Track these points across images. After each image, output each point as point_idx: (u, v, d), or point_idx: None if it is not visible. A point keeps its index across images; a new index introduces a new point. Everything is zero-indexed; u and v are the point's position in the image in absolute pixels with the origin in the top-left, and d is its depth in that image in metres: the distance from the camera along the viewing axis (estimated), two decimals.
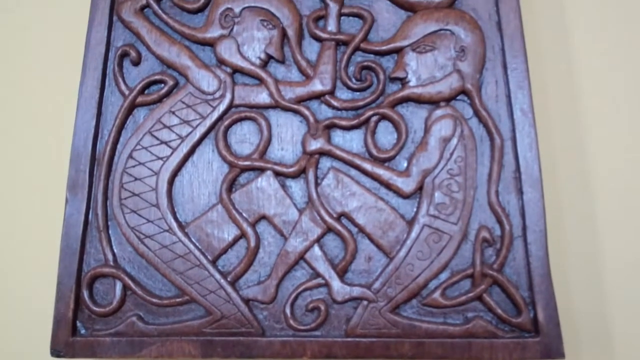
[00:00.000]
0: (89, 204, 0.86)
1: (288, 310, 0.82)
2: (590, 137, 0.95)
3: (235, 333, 0.82)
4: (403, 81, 0.87)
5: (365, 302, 0.82)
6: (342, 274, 0.83)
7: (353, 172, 0.87)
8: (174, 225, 0.85)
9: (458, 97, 0.87)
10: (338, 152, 0.86)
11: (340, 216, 0.85)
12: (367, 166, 0.85)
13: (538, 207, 0.83)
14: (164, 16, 0.89)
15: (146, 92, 0.89)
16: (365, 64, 0.88)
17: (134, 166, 0.87)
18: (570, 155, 0.94)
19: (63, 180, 0.88)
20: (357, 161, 0.85)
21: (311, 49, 0.89)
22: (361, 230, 0.85)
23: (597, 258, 0.91)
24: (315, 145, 0.86)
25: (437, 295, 0.82)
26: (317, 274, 0.83)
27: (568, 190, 0.93)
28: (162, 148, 0.87)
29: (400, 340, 0.80)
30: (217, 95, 0.87)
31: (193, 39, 0.89)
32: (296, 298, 0.83)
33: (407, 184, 0.85)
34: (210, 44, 0.89)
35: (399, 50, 0.87)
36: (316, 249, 0.84)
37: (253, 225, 0.85)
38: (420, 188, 0.85)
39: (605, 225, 0.91)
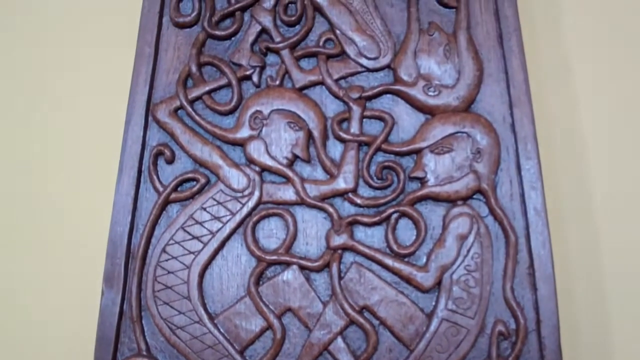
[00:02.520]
0: (123, 295, 1.00)
1: None
2: (602, 233, 1.08)
3: None
4: (422, 180, 1.01)
5: None
6: None
7: (375, 266, 1.00)
8: (205, 317, 0.98)
9: (474, 196, 1.00)
10: (360, 248, 0.99)
11: (363, 309, 0.98)
12: (388, 261, 0.99)
13: (551, 302, 0.96)
14: (197, 117, 1.04)
15: (179, 189, 1.03)
16: (386, 164, 1.02)
17: (167, 260, 1.01)
18: (582, 253, 1.07)
19: (98, 272, 1.02)
20: (379, 256, 0.99)
21: (335, 149, 1.04)
22: (382, 323, 0.98)
23: (608, 350, 1.03)
24: (338, 240, 1.00)
25: None
26: None
27: (581, 286, 1.06)
28: (193, 243, 1.01)
29: None
30: (246, 192, 1.02)
31: (224, 140, 1.04)
32: None
33: (426, 279, 0.98)
34: (241, 144, 1.03)
35: (418, 152, 1.02)
36: (339, 340, 0.97)
37: (279, 318, 0.98)
38: (438, 283, 0.98)
39: (617, 319, 1.04)
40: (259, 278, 0.99)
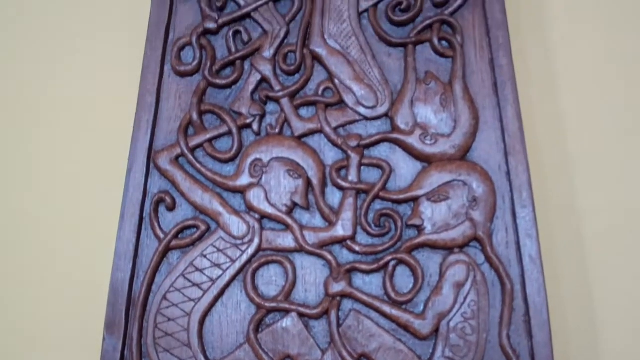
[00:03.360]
0: (124, 342, 1.04)
1: None
2: (596, 281, 1.12)
3: None
4: (419, 228, 1.05)
5: None
6: None
7: (373, 313, 1.04)
8: None
9: (471, 244, 1.04)
10: (359, 295, 1.03)
11: (361, 357, 1.02)
12: (386, 309, 1.03)
13: (547, 349, 1.00)
14: (198, 165, 1.09)
15: (180, 236, 1.07)
16: (384, 211, 1.06)
17: (167, 307, 1.05)
18: (577, 300, 1.11)
19: (100, 318, 1.05)
20: (377, 304, 1.03)
21: (334, 196, 1.08)
22: None
23: None
24: (337, 288, 1.03)
25: None
26: None
27: (576, 333, 1.09)
28: (194, 290, 1.05)
29: None
30: (246, 240, 1.06)
31: (224, 187, 1.08)
32: None
33: (423, 327, 1.02)
34: (241, 191, 1.08)
35: (415, 199, 1.06)
36: None
37: None
38: (436, 330, 1.02)
39: None
40: (258, 325, 1.03)
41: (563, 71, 1.18)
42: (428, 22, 1.10)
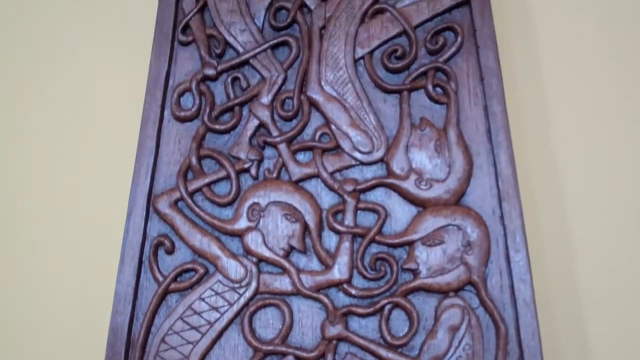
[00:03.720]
0: None
1: None
2: (590, 325, 1.14)
3: None
4: (414, 272, 1.07)
5: None
6: None
7: (369, 357, 1.05)
8: None
9: (465, 288, 1.06)
10: (355, 339, 1.05)
11: None
12: (382, 352, 1.05)
13: None
14: (197, 209, 1.11)
15: (179, 279, 1.10)
16: (380, 255, 1.08)
17: (166, 350, 1.07)
18: (572, 345, 1.13)
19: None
20: (373, 347, 1.05)
21: (330, 240, 1.10)
22: None
23: None
24: (333, 331, 1.05)
25: None
26: None
27: None
28: (192, 333, 1.07)
29: None
30: (243, 283, 1.08)
31: (223, 231, 1.11)
32: None
33: None
34: (239, 235, 1.10)
35: (410, 243, 1.08)
36: None
37: None
38: None
39: None
40: None
41: (557, 117, 1.21)
42: (423, 69, 1.13)
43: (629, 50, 1.24)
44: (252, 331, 1.05)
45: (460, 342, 1.02)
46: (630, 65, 1.23)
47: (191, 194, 1.10)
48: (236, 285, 1.06)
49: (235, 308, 1.06)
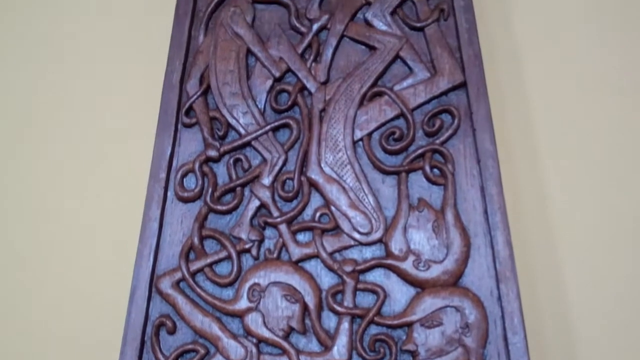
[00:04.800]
0: None
1: None
2: None
3: None
4: (413, 353, 1.09)
5: None
6: None
7: None
8: None
9: None
10: None
11: None
12: None
13: None
14: (198, 289, 1.15)
15: (180, 359, 1.12)
16: (379, 336, 1.11)
17: None
18: None
19: None
20: None
21: (330, 320, 1.13)
22: None
23: None
24: None
25: None
26: None
27: None
28: None
29: None
30: None
31: (223, 311, 1.14)
32: None
33: None
34: (239, 315, 1.13)
35: (409, 325, 1.11)
36: None
37: None
38: None
39: None
40: None
41: (554, 197, 1.25)
42: (420, 151, 1.17)
43: (629, 123, 1.27)
44: None
45: None
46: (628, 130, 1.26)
47: (193, 274, 1.14)
48: None
49: None
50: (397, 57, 1.22)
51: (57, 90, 1.41)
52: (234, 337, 1.10)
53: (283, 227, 1.14)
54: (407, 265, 1.11)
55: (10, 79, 1.42)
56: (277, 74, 1.22)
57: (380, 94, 1.20)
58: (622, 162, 1.25)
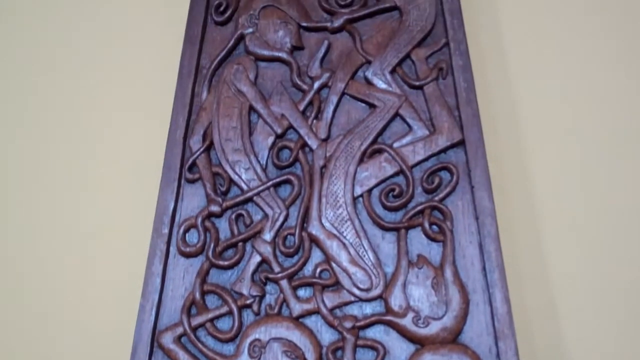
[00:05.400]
0: None
1: None
2: None
3: None
4: None
5: None
6: None
7: None
8: None
9: None
10: None
11: None
12: None
13: None
14: (199, 345, 1.16)
15: None
16: None
17: None
18: None
19: None
20: None
21: None
22: None
23: None
24: None
25: None
26: None
27: None
28: None
29: None
30: None
31: None
32: None
33: None
34: None
35: None
36: None
37: None
38: None
39: None
40: None
41: (553, 256, 1.28)
42: (419, 207, 1.20)
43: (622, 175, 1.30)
44: None
45: None
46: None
47: (194, 329, 1.16)
48: None
49: None
50: (396, 114, 1.25)
51: (60, 150, 1.44)
52: None
53: (284, 283, 1.17)
54: (407, 322, 1.13)
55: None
56: (279, 131, 1.25)
57: (380, 151, 1.23)
58: (623, 218, 1.27)
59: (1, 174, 1.43)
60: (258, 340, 1.13)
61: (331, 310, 1.15)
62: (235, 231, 1.20)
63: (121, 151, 1.43)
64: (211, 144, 1.26)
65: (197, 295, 1.16)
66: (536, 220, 1.29)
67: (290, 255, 1.19)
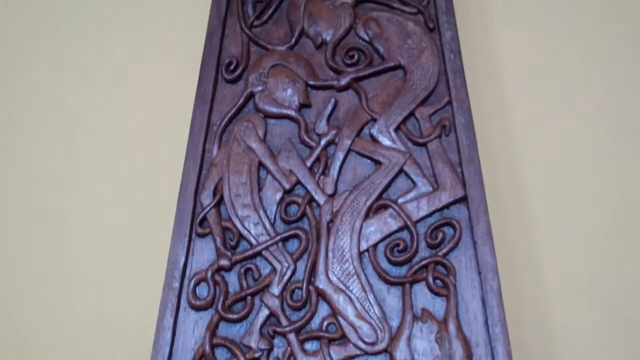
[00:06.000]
0: None
1: None
2: None
3: None
4: None
5: None
6: None
7: None
8: None
9: None
10: None
11: None
12: None
13: None
14: None
15: None
16: None
17: None
18: None
19: None
20: None
21: None
22: None
23: None
24: None
25: None
26: None
27: None
28: None
29: None
30: None
31: None
32: None
33: None
34: None
35: None
36: None
37: None
38: None
39: None
40: None
41: (555, 309, 1.31)
42: (424, 262, 1.24)
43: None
44: None
45: None
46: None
47: None
48: None
49: None
50: (401, 171, 1.29)
51: (71, 203, 1.50)
52: None
53: (291, 336, 1.21)
54: None
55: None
56: (287, 186, 1.30)
57: (385, 207, 1.28)
58: (632, 271, 1.31)
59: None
60: None
61: None
62: (244, 285, 1.25)
63: (133, 202, 1.47)
64: (221, 199, 1.30)
65: (207, 348, 1.20)
66: (538, 275, 1.33)
67: (298, 309, 1.23)
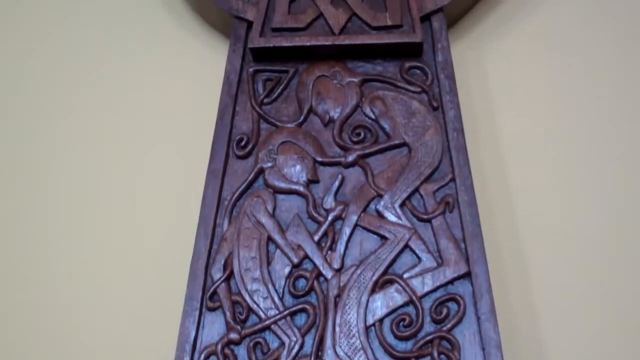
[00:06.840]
0: None
1: None
2: None
3: None
4: None
5: None
6: None
7: None
8: None
9: None
10: None
11: None
12: None
13: None
14: None
15: None
16: None
17: None
18: None
19: None
20: None
21: None
22: None
23: None
24: None
25: None
26: None
27: None
28: None
29: None
30: None
31: None
32: None
33: None
34: None
35: None
36: None
37: None
38: None
39: None
40: None
41: None
42: (429, 337, 1.28)
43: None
44: None
45: None
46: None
47: None
48: None
49: None
50: (406, 246, 1.34)
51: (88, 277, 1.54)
52: None
53: None
54: None
55: None
56: (296, 261, 1.35)
57: (391, 282, 1.32)
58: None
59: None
60: None
61: None
62: (254, 359, 1.28)
63: (143, 280, 1.52)
64: (231, 273, 1.35)
65: None
66: (542, 349, 1.36)
67: None
